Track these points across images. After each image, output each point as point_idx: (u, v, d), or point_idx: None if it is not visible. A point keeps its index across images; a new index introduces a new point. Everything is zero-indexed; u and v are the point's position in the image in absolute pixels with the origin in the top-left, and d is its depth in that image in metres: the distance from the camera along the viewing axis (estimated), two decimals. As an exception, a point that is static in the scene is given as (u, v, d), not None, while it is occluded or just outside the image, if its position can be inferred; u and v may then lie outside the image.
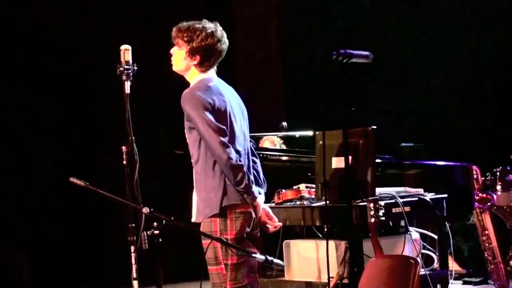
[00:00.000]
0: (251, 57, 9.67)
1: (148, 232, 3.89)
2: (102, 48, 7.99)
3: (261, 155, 5.86)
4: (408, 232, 5.61)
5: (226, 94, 4.41)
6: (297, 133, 7.08)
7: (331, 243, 5.39)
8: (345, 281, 5.30)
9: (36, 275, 8.15)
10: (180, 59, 4.43)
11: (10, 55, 8.22)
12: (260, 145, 7.10)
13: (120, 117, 4.28)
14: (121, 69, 4.28)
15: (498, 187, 6.87)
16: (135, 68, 4.31)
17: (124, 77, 4.29)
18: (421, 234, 6.04)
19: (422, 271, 5.22)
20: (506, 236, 6.71)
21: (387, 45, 9.12)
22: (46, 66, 8.41)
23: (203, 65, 4.41)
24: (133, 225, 4.11)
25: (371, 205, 5.04)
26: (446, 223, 5.82)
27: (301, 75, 9.54)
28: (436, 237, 6.07)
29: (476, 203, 6.47)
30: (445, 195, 5.74)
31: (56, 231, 8.29)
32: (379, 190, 5.41)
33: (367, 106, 8.41)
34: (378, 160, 5.69)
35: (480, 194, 6.56)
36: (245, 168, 4.31)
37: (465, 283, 7.16)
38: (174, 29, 4.45)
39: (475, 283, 7.09)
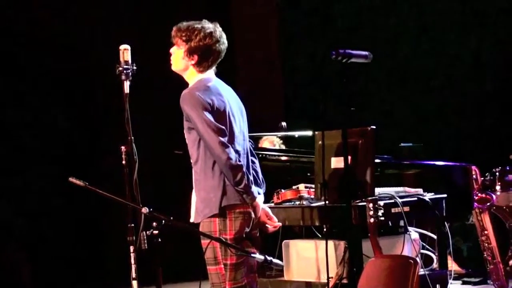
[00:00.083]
0: (251, 57, 9.67)
1: (148, 232, 3.90)
2: (102, 48, 7.99)
3: (260, 155, 5.87)
4: (408, 232, 5.61)
5: (225, 94, 4.41)
6: (297, 133, 7.08)
7: (330, 243, 5.39)
8: (344, 281, 5.29)
9: (36, 275, 8.15)
10: (178, 58, 4.43)
11: (10, 55, 8.22)
12: (259, 145, 7.10)
13: (120, 117, 4.28)
14: (120, 69, 4.29)
15: (498, 187, 6.87)
16: (135, 68, 4.32)
17: (123, 77, 4.29)
18: (421, 234, 6.04)
19: (422, 271, 5.22)
20: (505, 236, 6.71)
21: (387, 45, 9.12)
22: (46, 66, 8.42)
23: (201, 65, 4.41)
24: (133, 225, 4.12)
25: (370, 205, 5.03)
26: (446, 223, 5.82)
27: (301, 75, 9.55)
28: (435, 237, 6.07)
29: (476, 203, 6.48)
30: (445, 195, 5.74)
31: (56, 231, 8.29)
32: (378, 190, 5.40)
33: (367, 106, 8.42)
34: (377, 160, 5.69)
35: (479, 194, 6.56)
36: (244, 168, 4.31)
37: (464, 283, 7.17)
38: (174, 28, 4.45)
39: (474, 283, 7.09)
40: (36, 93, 8.35)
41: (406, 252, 5.52)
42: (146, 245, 3.91)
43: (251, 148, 4.58)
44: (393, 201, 5.33)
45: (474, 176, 6.39)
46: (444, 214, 5.73)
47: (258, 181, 4.51)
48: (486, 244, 6.52)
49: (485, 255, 6.55)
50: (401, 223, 5.60)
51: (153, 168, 6.44)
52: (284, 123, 7.08)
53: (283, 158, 6.64)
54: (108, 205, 4.46)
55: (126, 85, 4.30)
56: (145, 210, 3.86)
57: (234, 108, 4.44)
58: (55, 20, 8.50)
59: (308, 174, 6.15)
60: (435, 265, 6.07)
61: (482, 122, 8.98)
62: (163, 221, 3.85)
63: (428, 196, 5.63)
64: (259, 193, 4.44)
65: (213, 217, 4.32)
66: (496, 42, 9.05)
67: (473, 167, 6.41)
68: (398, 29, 9.36)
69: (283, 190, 5.80)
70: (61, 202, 8.21)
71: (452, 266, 6.55)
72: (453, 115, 9.15)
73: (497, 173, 6.89)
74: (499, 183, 6.87)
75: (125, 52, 4.32)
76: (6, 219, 8.11)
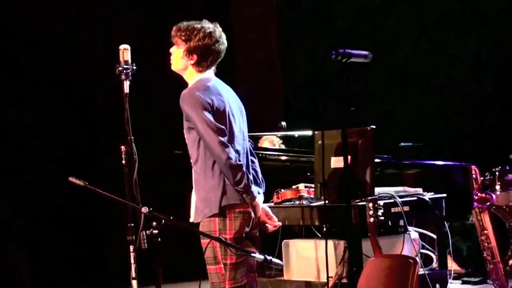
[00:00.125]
0: (251, 57, 9.67)
1: (147, 231, 3.90)
2: (102, 48, 7.99)
3: (260, 155, 5.88)
4: (407, 232, 5.62)
5: (225, 94, 4.42)
6: (296, 133, 7.08)
7: (330, 242, 5.39)
8: (344, 280, 5.29)
9: (36, 275, 8.16)
10: (178, 58, 4.44)
11: (10, 55, 8.23)
12: (259, 145, 7.10)
13: (119, 117, 4.28)
14: (120, 68, 4.30)
15: (497, 187, 6.86)
16: (134, 67, 4.33)
17: (123, 77, 4.30)
18: (420, 234, 6.04)
19: (421, 271, 5.22)
20: (505, 235, 6.71)
21: (387, 45, 9.12)
22: (46, 66, 8.42)
23: (200, 65, 4.41)
24: (132, 224, 4.12)
25: (370, 204, 5.03)
26: (445, 222, 5.82)
27: (301, 75, 9.55)
28: (435, 236, 6.07)
29: (475, 203, 6.48)
30: (444, 195, 5.75)
31: (56, 231, 8.29)
32: (378, 190, 5.41)
33: (367, 106, 8.42)
34: (377, 160, 5.69)
35: (479, 194, 6.56)
36: (244, 168, 4.32)
37: (464, 282, 7.16)
38: (174, 28, 4.46)
39: (474, 283, 7.09)
40: (36, 93, 8.35)
41: (405, 252, 5.52)
42: (146, 244, 3.91)
43: (251, 147, 4.58)
44: (393, 200, 5.33)
45: (474, 176, 6.39)
46: (444, 214, 5.74)
47: (258, 180, 4.52)
48: (486, 244, 6.52)
49: (485, 255, 6.55)
50: (401, 222, 5.60)
51: (153, 168, 6.44)
52: (284, 123, 7.08)
53: (283, 157, 6.65)
54: (108, 204, 4.46)
55: (126, 85, 4.31)
56: (145, 209, 3.86)
57: (234, 108, 4.44)
58: (55, 20, 8.51)
59: (308, 173, 6.16)
60: (434, 264, 6.07)
61: (482, 122, 8.99)
62: (163, 220, 3.85)
63: (428, 195, 5.63)
64: (259, 193, 4.44)
65: (213, 216, 4.33)
66: (496, 42, 9.05)
67: (473, 167, 6.41)
68: (398, 29, 9.35)
69: (283, 190, 5.80)
70: (61, 202, 8.21)
71: (452, 265, 6.55)
72: (453, 115, 9.15)
73: (497, 173, 6.88)
74: (499, 183, 6.86)
75: (125, 52, 4.33)
76: (6, 219, 8.11)
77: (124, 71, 4.29)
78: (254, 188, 4.36)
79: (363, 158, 5.27)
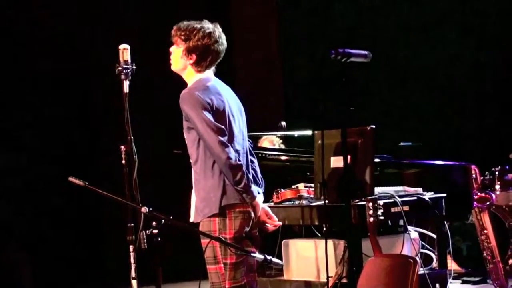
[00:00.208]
0: (251, 57, 9.67)
1: (147, 231, 3.89)
2: (102, 48, 7.99)
3: (260, 155, 5.88)
4: (407, 232, 5.62)
5: (224, 94, 4.42)
6: (296, 133, 7.09)
7: (330, 242, 5.40)
8: (344, 280, 5.29)
9: (36, 275, 8.15)
10: (177, 57, 4.44)
11: (10, 55, 8.23)
12: (259, 145, 7.11)
13: (119, 116, 4.29)
14: (120, 68, 4.30)
15: (497, 187, 6.87)
16: (134, 67, 4.33)
17: (122, 77, 4.31)
18: (420, 234, 6.04)
19: (421, 271, 5.22)
20: (505, 235, 6.71)
21: (387, 45, 9.12)
22: (46, 66, 8.41)
23: (200, 65, 4.41)
24: (132, 224, 4.13)
25: (370, 204, 5.04)
26: (445, 222, 5.82)
27: (301, 75, 9.55)
28: (435, 236, 6.07)
29: (475, 203, 6.48)
30: (444, 195, 5.74)
31: (56, 231, 8.29)
32: (378, 190, 5.41)
33: (367, 106, 8.42)
34: (377, 160, 5.69)
35: (479, 194, 6.56)
36: (244, 168, 4.32)
37: (464, 282, 7.17)
38: (174, 27, 4.46)
39: (474, 283, 7.09)
40: (36, 93, 8.35)
41: (405, 252, 5.52)
42: (145, 244, 3.91)
43: (250, 147, 4.58)
44: (392, 200, 5.33)
45: (473, 176, 6.39)
46: (444, 214, 5.73)
47: (257, 180, 4.52)
48: (486, 244, 6.52)
49: (485, 255, 6.55)
50: (401, 222, 5.61)
51: (153, 167, 6.45)
52: (283, 123, 7.09)
53: (283, 157, 6.64)
54: (108, 204, 4.46)
55: (126, 84, 4.31)
56: (144, 209, 3.86)
57: (233, 107, 4.45)
58: (55, 20, 8.51)
59: (308, 173, 6.16)
60: (434, 264, 6.07)
61: (482, 122, 8.99)
62: (163, 220, 3.85)
63: (427, 195, 5.63)
64: (258, 193, 4.44)
65: (213, 216, 4.33)
66: (496, 42, 9.05)
67: (473, 167, 6.41)
68: (398, 29, 9.35)
69: (282, 190, 5.80)
70: (61, 202, 8.21)
71: (452, 265, 6.54)
72: (453, 115, 9.15)
73: (497, 173, 6.89)
74: (499, 182, 6.87)
75: (125, 51, 4.33)
76: (6, 219, 8.10)
77: (124, 71, 4.30)
78: (254, 188, 4.37)
79: (362, 158, 5.27)
